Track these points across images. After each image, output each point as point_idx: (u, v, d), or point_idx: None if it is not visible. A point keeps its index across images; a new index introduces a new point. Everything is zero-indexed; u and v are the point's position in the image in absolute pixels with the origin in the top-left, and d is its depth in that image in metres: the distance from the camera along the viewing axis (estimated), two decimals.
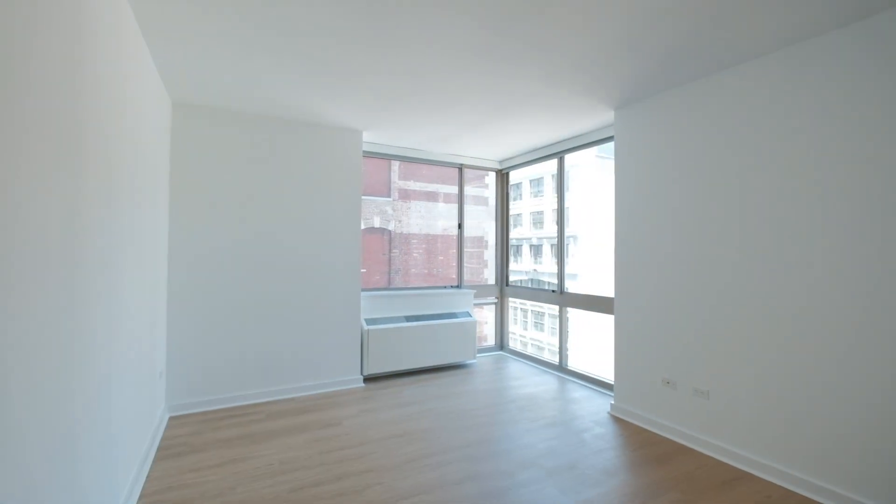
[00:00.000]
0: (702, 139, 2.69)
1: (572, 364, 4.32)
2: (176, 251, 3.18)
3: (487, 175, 5.31)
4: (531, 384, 3.93)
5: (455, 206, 5.03)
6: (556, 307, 4.40)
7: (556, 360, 4.44)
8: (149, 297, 2.54)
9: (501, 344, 5.24)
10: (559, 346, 4.37)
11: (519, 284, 5.24)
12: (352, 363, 3.85)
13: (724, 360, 2.54)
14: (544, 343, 5.77)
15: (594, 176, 6.39)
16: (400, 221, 5.11)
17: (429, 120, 3.59)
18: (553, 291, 4.44)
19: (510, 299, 5.26)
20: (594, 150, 4.57)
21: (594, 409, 3.33)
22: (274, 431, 2.88)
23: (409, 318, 4.26)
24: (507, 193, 5.29)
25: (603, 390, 3.71)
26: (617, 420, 3.11)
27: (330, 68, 2.63)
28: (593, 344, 4.53)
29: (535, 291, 4.82)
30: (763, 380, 2.35)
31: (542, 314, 6.22)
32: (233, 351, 3.36)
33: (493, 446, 2.68)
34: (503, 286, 5.25)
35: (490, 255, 5.46)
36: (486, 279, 5.35)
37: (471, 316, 4.61)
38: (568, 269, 4.35)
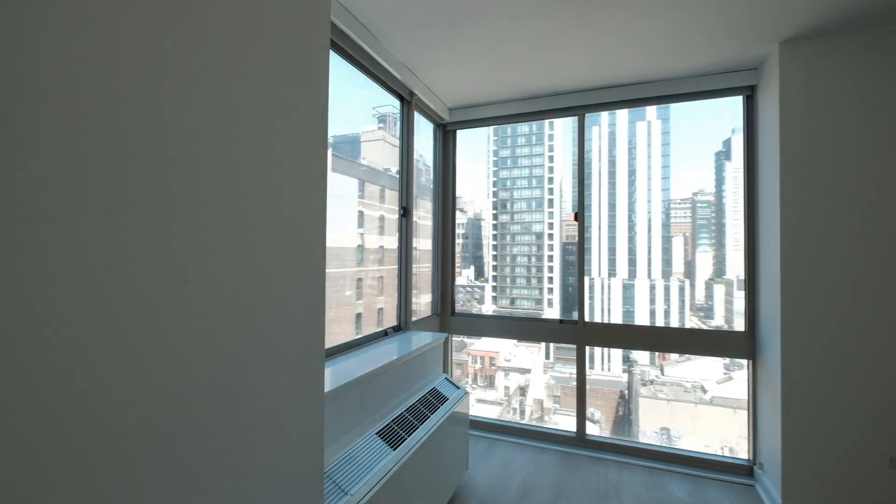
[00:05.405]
0: None
1: (592, 431, 2.88)
2: None
3: None
4: (588, 487, 2.24)
5: None
6: (572, 346, 2.85)
7: (568, 427, 2.89)
8: None
9: None
10: (577, 408, 2.83)
11: (470, 313, 3.31)
12: None
13: None
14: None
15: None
16: None
17: None
18: (563, 322, 2.85)
19: (455, 338, 3.27)
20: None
21: None
22: None
23: (385, 435, 1.70)
24: (455, 164, 3.26)
25: (690, 470, 2.45)
26: None
27: None
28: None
29: (520, 323, 3.06)
30: None
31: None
32: None
33: None
34: (446, 316, 3.20)
35: None
36: None
37: (456, 386, 2.40)
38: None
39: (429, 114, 2.95)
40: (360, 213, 2.94)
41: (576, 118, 2.79)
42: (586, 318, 2.79)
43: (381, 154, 3.05)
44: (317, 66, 1.10)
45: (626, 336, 2.78)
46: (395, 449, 1.65)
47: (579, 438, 2.79)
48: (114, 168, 0.65)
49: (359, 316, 2.81)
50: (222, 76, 0.83)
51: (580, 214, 2.80)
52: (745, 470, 2.41)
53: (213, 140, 0.81)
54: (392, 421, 1.79)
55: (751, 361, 2.38)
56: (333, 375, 1.63)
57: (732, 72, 2.38)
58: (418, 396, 2.05)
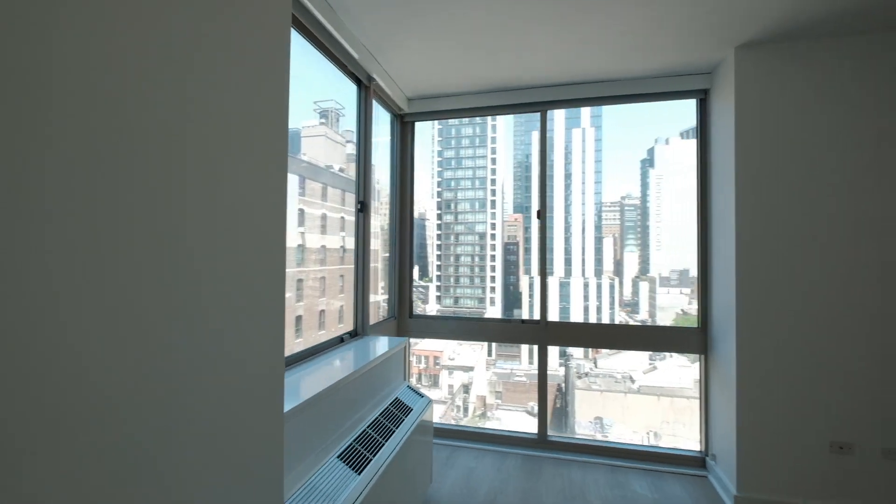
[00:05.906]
0: None
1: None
2: None
3: None
4: (554, 490, 2.19)
5: None
6: (533, 347, 2.80)
7: (531, 429, 2.82)
8: None
9: None
10: (538, 409, 2.78)
11: (436, 315, 3.13)
12: None
13: None
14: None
15: None
16: None
17: None
18: (525, 322, 2.79)
19: (413, 342, 3.08)
20: None
21: None
22: None
23: (347, 458, 1.47)
24: (413, 158, 3.07)
25: (647, 465, 2.50)
26: None
27: None
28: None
29: (481, 324, 2.94)
30: None
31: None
32: None
33: None
34: (404, 318, 2.99)
35: None
36: None
37: (419, 394, 2.21)
38: None
39: (387, 102, 2.74)
40: (301, 212, 2.64)
41: (538, 114, 2.75)
42: (548, 318, 2.75)
43: (324, 150, 2.77)
44: (277, 41, 0.89)
45: (587, 335, 2.79)
46: (359, 473, 1.43)
47: (541, 440, 2.74)
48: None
49: (298, 318, 2.52)
50: (170, 54, 0.60)
51: (542, 212, 2.77)
52: (697, 462, 2.50)
53: (153, 131, 0.58)
54: (354, 440, 1.57)
55: (703, 356, 2.49)
56: (289, 391, 1.38)
57: (687, 75, 2.47)
58: (381, 409, 1.84)
